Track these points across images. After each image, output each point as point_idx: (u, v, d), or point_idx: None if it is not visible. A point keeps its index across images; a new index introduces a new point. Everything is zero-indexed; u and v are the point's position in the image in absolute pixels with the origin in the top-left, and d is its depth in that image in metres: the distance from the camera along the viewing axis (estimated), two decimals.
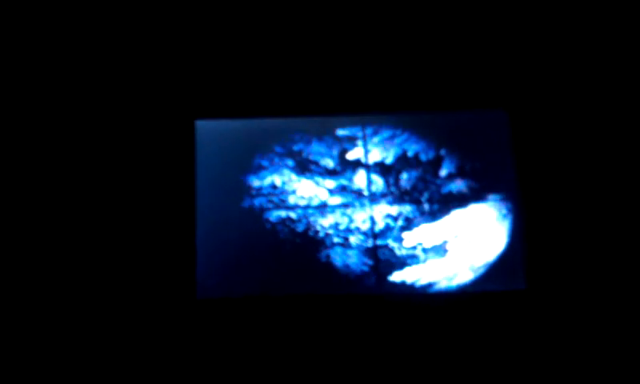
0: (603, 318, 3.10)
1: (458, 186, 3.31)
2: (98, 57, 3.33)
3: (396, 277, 3.19)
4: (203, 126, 3.28)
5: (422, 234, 3.25)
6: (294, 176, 3.26)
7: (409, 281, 3.19)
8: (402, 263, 3.20)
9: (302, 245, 3.18)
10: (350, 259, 3.19)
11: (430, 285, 3.20)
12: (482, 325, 3.12)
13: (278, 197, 3.23)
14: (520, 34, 3.44)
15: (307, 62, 3.35)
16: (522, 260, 3.24)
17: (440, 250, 3.24)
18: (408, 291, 3.17)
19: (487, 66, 3.42)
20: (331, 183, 3.27)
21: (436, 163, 3.33)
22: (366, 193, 3.27)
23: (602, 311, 3.11)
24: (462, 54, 3.41)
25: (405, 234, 3.24)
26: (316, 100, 3.34)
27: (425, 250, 3.22)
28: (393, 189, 3.28)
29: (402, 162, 3.32)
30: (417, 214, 3.26)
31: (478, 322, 3.13)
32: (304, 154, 3.28)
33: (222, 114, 3.31)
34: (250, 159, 3.26)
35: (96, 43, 3.34)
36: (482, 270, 3.25)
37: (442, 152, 3.34)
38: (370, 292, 3.15)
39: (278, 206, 3.21)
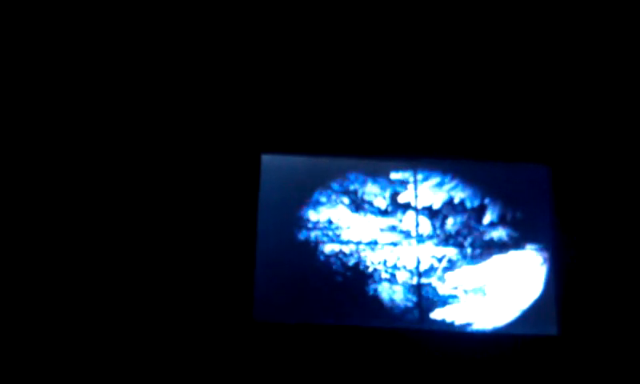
0: (632, 369, 3.30)
1: (500, 233, 3.54)
2: (172, 87, 3.62)
3: (437, 314, 3.43)
4: (268, 160, 3.56)
5: (464, 276, 3.48)
6: (348, 213, 3.53)
7: (448, 319, 3.43)
8: (443, 302, 3.44)
9: (352, 278, 3.44)
10: (395, 294, 3.44)
11: (467, 324, 3.43)
12: (513, 366, 3.33)
13: (332, 231, 3.49)
14: (566, 96, 3.67)
15: (367, 108, 3.63)
16: (557, 307, 3.44)
17: (479, 292, 3.47)
18: (447, 329, 3.41)
19: (533, 122, 3.66)
20: (382, 222, 3.53)
21: (480, 211, 3.56)
22: (413, 233, 3.52)
23: (631, 363, 3.31)
24: (511, 112, 3.66)
25: (447, 275, 3.48)
26: (373, 143, 3.61)
27: (465, 291, 3.46)
28: (439, 231, 3.53)
29: (449, 207, 3.56)
30: (460, 256, 3.50)
31: (510, 363, 3.34)
32: (359, 194, 3.55)
33: (286, 150, 3.58)
34: (309, 194, 3.53)
35: (170, 74, 3.62)
36: (517, 314, 3.46)
37: (486, 201, 3.57)
38: (413, 327, 3.39)
39: (332, 240, 3.48)
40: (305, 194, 3.54)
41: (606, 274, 3.44)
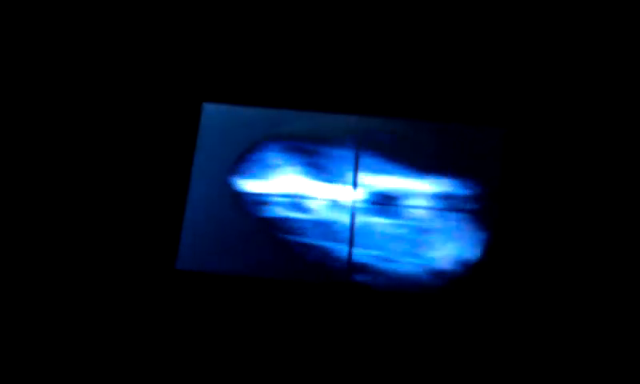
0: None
1: (444, 193, 3.40)
2: (114, 34, 3.59)
3: (368, 272, 3.31)
4: (210, 109, 3.51)
5: (401, 235, 3.35)
6: (285, 166, 3.44)
7: (380, 277, 3.30)
8: (376, 259, 3.32)
9: (280, 231, 3.36)
10: (324, 249, 3.33)
11: (400, 283, 3.30)
12: (448, 326, 3.25)
13: (264, 184, 3.42)
14: (523, 59, 3.54)
15: (314, 61, 3.55)
16: (496, 271, 3.30)
17: (418, 251, 3.34)
18: (379, 285, 3.29)
19: (490, 84, 3.53)
20: (315, 175, 3.43)
21: (424, 170, 3.42)
22: (347, 187, 3.40)
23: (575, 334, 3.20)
24: (467, 72, 3.54)
25: (383, 232, 3.35)
26: (319, 96, 3.52)
27: (401, 250, 3.33)
28: (375, 188, 3.40)
29: (391, 164, 3.43)
30: (398, 216, 3.37)
31: (444, 323, 3.25)
32: (292, 144, 3.46)
33: (230, 100, 3.53)
34: (249, 146, 3.46)
35: (114, 23, 3.60)
36: (457, 275, 3.31)
37: (433, 161, 3.42)
38: (341, 280, 3.29)
39: (262, 194, 3.40)
40: (245, 146, 3.46)
41: (553, 240, 3.32)
